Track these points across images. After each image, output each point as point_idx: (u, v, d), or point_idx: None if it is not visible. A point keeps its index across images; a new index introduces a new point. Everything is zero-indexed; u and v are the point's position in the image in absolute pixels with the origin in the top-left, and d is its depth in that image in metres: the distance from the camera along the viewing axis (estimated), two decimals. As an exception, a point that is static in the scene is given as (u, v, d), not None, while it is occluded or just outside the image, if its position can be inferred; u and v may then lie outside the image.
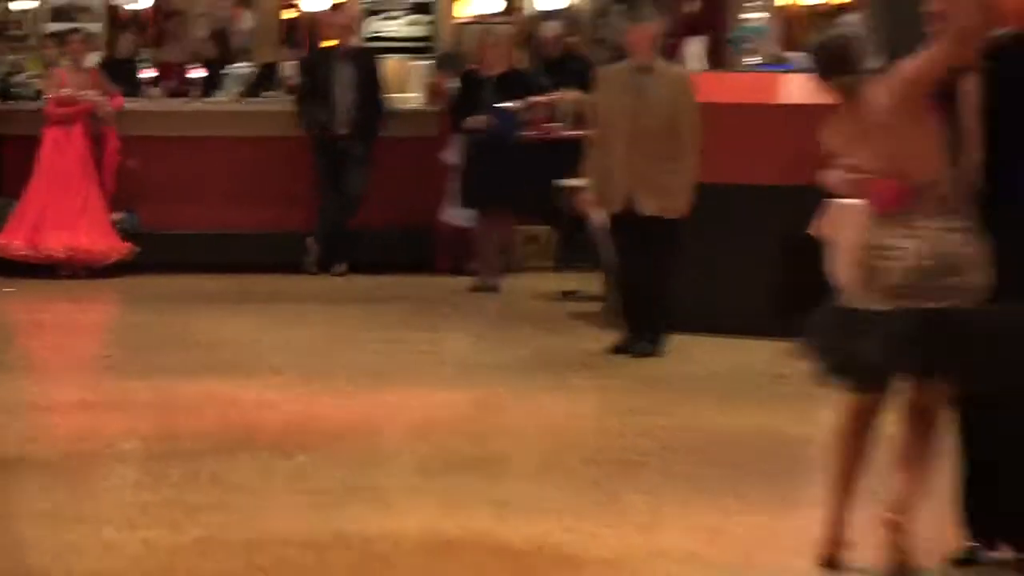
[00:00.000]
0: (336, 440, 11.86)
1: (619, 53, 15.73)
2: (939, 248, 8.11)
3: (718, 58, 19.46)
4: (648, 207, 14.32)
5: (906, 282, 7.94)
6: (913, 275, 7.93)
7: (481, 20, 22.75)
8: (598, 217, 14.82)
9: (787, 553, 9.35)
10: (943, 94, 8.02)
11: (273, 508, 10.06)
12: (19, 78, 21.55)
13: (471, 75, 19.55)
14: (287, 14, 24.51)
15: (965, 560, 8.32)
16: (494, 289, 18.60)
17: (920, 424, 8.41)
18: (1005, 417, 8.25)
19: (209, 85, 22.07)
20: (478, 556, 9.14)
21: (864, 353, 8.03)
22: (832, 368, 8.52)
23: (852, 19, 16.25)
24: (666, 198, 14.38)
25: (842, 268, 8.52)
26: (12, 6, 23.52)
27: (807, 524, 8.98)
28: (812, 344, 8.58)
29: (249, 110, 21.09)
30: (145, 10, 24.15)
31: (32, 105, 20.07)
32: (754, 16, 18.43)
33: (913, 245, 8.05)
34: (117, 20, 23.72)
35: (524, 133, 18.94)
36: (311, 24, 23.79)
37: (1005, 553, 8.19)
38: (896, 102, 8.19)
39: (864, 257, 8.23)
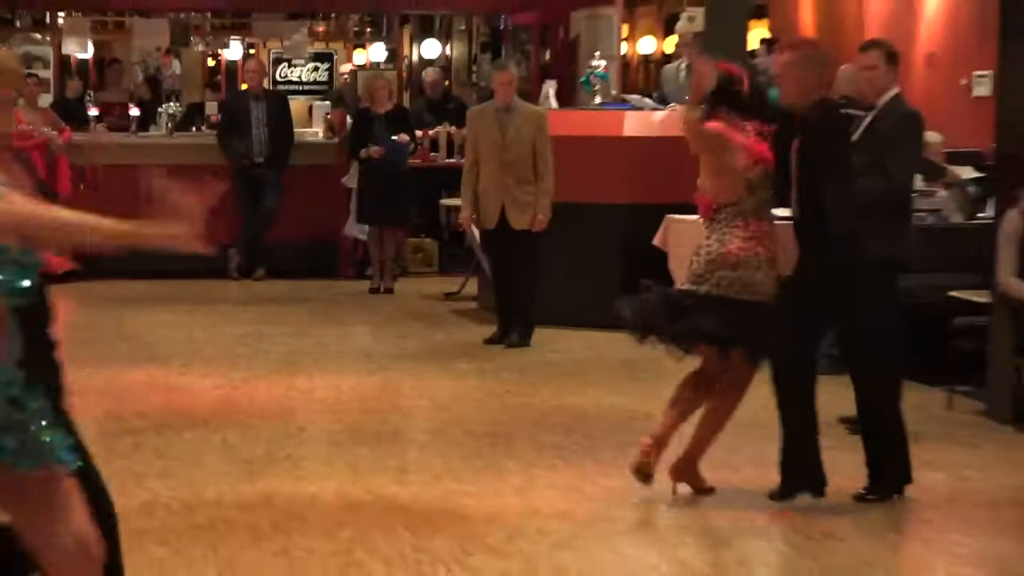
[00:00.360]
0: (259, 418, 11.89)
1: (487, 95, 15.88)
2: (720, 249, 9.07)
3: (569, 98, 19.58)
4: (517, 222, 14.50)
5: (701, 271, 9.03)
6: (705, 266, 8.98)
7: (371, 67, 22.73)
8: (474, 231, 14.94)
9: (639, 508, 9.60)
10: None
11: (207, 475, 10.09)
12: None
13: (364, 112, 19.56)
14: (210, 62, 24.39)
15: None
16: (388, 291, 18.65)
17: (697, 383, 9.32)
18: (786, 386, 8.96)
19: (144, 121, 22.07)
20: (382, 513, 9.21)
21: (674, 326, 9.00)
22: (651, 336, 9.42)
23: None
24: (530, 214, 14.57)
25: (678, 266, 9.28)
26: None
27: (654, 485, 9.24)
28: (639, 323, 9.41)
29: (178, 143, 20.93)
30: (89, 59, 24.00)
31: (-7, 139, 19.98)
32: (598, 63, 18.58)
33: (707, 244, 9.14)
34: (66, 65, 23.58)
35: (410, 161, 19.13)
36: (229, 70, 23.72)
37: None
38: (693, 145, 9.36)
39: (693, 252, 9.20)
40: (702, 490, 9.47)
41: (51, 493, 5.24)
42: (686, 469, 9.43)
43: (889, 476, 9.59)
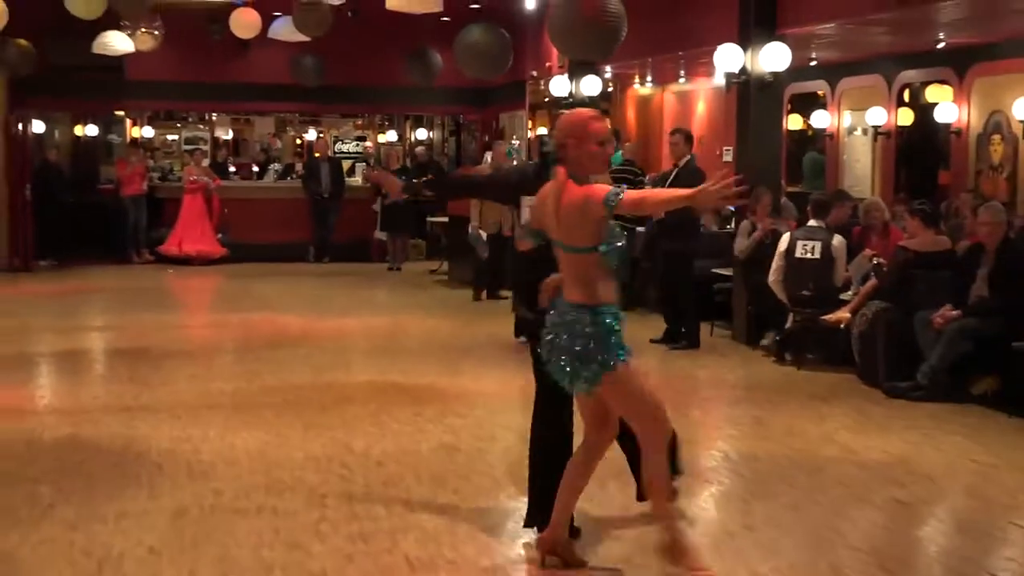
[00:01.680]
0: (324, 340, 11.78)
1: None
2: None
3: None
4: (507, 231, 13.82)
5: None
6: None
7: (389, 143, 22.57)
8: (480, 234, 14.35)
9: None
10: None
11: (292, 372, 10.04)
12: (171, 172, 21.34)
13: (384, 169, 19.46)
14: (297, 140, 24.19)
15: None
16: (399, 270, 18.50)
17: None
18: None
19: (260, 175, 21.91)
20: (394, 394, 9.15)
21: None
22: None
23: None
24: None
25: None
26: (169, 138, 23.09)
27: None
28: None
29: (281, 185, 20.84)
30: (230, 139, 23.81)
31: (178, 184, 19.79)
32: (515, 142, 18.42)
33: None
34: (216, 142, 23.37)
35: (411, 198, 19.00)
36: (309, 145, 23.54)
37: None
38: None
39: None
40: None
41: (629, 379, 4.86)
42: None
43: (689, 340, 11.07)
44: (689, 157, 11.12)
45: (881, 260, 10.07)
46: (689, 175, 10.83)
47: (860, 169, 15.02)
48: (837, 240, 10.19)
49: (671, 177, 11.06)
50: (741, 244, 11.09)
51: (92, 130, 22.48)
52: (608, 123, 5.24)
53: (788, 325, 10.41)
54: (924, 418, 8.40)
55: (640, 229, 12.59)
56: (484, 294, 14.57)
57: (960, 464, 7.23)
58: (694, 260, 11.29)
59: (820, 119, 15.69)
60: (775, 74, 11.61)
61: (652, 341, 11.10)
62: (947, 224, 10.61)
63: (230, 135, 23.96)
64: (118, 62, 17.84)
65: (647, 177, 13.31)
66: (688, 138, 11.27)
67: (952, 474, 7.02)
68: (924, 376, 8.92)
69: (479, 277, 14.77)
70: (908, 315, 9.26)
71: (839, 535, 5.83)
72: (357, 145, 23.82)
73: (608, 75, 16.70)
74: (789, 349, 10.45)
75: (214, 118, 23.44)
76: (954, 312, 8.87)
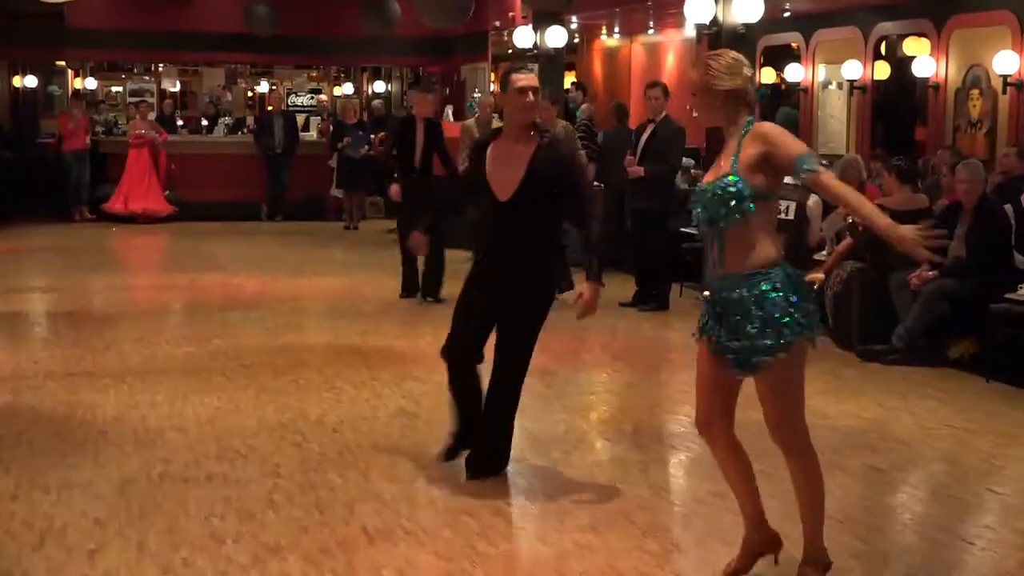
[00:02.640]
0: (278, 302, 11.75)
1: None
2: None
3: (460, 115, 19.45)
4: None
5: None
6: None
7: (345, 96, 22.42)
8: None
9: None
10: None
11: (244, 335, 10.04)
12: (116, 126, 21.13)
13: (339, 123, 19.36)
14: (248, 93, 23.99)
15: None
16: (355, 229, 18.44)
17: None
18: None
19: (210, 128, 21.77)
20: (351, 357, 9.15)
21: None
22: None
23: None
24: None
25: None
26: (113, 89, 22.85)
27: None
28: None
29: (230, 140, 20.71)
30: (177, 91, 23.59)
31: (123, 139, 19.60)
32: (476, 96, 18.34)
33: None
34: (163, 94, 23.16)
35: (365, 152, 18.91)
36: (260, 98, 23.37)
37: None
38: None
39: None
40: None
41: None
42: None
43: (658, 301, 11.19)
44: (665, 114, 11.08)
45: (856, 219, 10.09)
46: (668, 131, 10.87)
47: (835, 125, 15.05)
48: (812, 200, 10.21)
49: (647, 133, 11.03)
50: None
51: (31, 81, 22.22)
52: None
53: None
54: (899, 382, 8.46)
55: (599, 186, 12.62)
56: None
57: (936, 430, 7.29)
58: (668, 220, 11.28)
59: (794, 73, 15.68)
60: (747, 25, 11.62)
61: (622, 304, 11.13)
62: (924, 182, 10.64)
63: (178, 87, 23.80)
64: (59, 8, 17.65)
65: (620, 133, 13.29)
66: (666, 92, 11.21)
67: (927, 440, 7.08)
68: (899, 339, 8.97)
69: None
70: (883, 276, 9.30)
71: (811, 503, 5.88)
72: (312, 98, 23.69)
73: (574, 26, 16.65)
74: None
75: (161, 69, 23.26)
76: (931, 272, 8.90)
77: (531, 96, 5.65)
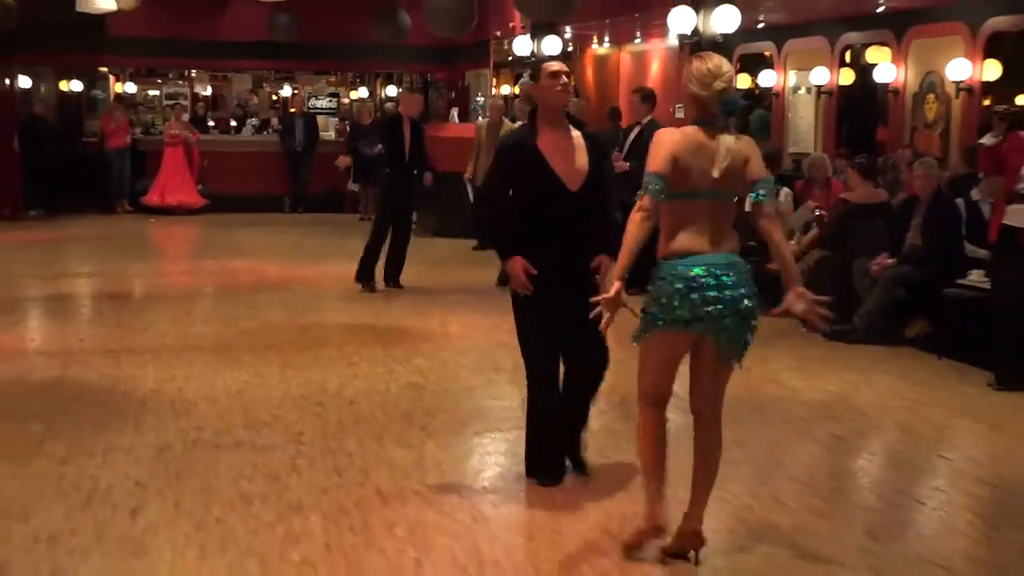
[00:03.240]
0: (300, 286, 11.73)
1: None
2: None
3: (465, 117, 19.44)
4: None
5: None
6: None
7: (360, 99, 22.36)
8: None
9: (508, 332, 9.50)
10: None
11: (269, 315, 10.03)
12: (153, 127, 21.09)
13: (355, 124, 19.26)
14: (273, 97, 23.94)
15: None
16: (369, 219, 18.26)
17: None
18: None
19: (238, 129, 21.74)
20: (366, 335, 9.15)
21: None
22: None
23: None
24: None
25: None
26: (150, 93, 22.78)
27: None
28: None
29: (258, 139, 20.69)
30: (208, 95, 23.52)
31: (159, 138, 19.56)
32: (479, 99, 18.27)
33: None
34: (196, 98, 23.10)
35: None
36: (284, 101, 23.33)
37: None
38: None
39: None
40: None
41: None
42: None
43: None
44: (650, 117, 10.99)
45: (822, 211, 10.13)
46: (652, 131, 10.82)
47: (804, 126, 15.04)
48: (783, 194, 10.23)
49: (634, 133, 10.99)
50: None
51: (77, 86, 22.17)
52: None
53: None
54: (860, 359, 8.48)
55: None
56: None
57: (892, 402, 7.32)
58: None
59: (767, 78, 15.66)
60: (725, 35, 11.60)
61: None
62: (884, 178, 10.64)
63: (209, 91, 23.73)
64: (101, 19, 17.62)
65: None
66: (645, 98, 11.03)
67: (885, 411, 7.11)
68: (861, 320, 9.00)
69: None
70: (847, 263, 9.32)
71: (781, 468, 5.91)
72: (330, 101, 23.64)
73: (568, 35, 16.61)
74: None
75: (193, 75, 23.21)
76: (889, 260, 8.94)
77: (564, 79, 5.27)
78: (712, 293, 4.32)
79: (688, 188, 4.36)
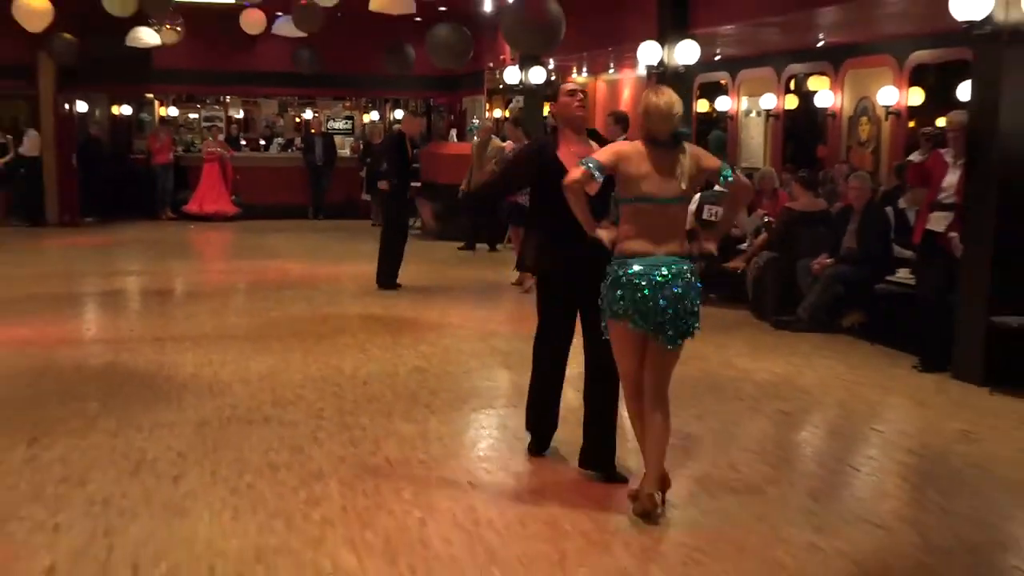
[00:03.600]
0: (320, 282, 11.66)
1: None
2: None
3: (462, 137, 19.39)
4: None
5: None
6: None
7: (372, 122, 22.28)
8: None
9: (510, 322, 9.47)
10: None
11: (297, 307, 9.97)
12: (193, 145, 20.98)
13: (367, 143, 19.23)
14: (296, 119, 23.84)
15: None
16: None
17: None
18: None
19: (266, 147, 21.65)
20: (377, 325, 9.10)
21: None
22: None
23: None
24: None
25: None
26: (190, 116, 22.66)
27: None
28: None
29: (283, 156, 20.61)
30: (240, 118, 23.39)
31: (198, 155, 19.52)
32: (475, 122, 18.22)
33: None
34: (230, 120, 22.99)
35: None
36: (306, 123, 23.24)
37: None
38: None
39: None
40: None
41: None
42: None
43: None
44: (624, 137, 10.90)
45: (770, 218, 10.13)
46: None
47: (755, 145, 15.05)
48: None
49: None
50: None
51: (126, 110, 22.10)
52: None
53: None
54: (804, 345, 8.49)
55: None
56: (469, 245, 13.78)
57: (832, 382, 7.32)
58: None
59: (723, 103, 15.66)
60: (687, 66, 11.58)
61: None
62: (824, 189, 10.65)
63: (241, 114, 23.61)
64: (147, 53, 17.57)
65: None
66: (618, 120, 10.80)
67: (825, 390, 7.11)
68: (804, 312, 9.00)
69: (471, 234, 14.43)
70: (792, 263, 9.33)
71: (735, 439, 5.91)
72: (346, 123, 23.54)
73: (551, 66, 16.57)
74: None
75: (228, 100, 23.11)
76: (829, 260, 8.95)
77: (580, 96, 5.08)
78: (649, 292, 4.35)
79: (648, 195, 4.38)
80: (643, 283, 4.36)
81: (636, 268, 4.38)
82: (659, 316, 4.38)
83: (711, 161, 4.55)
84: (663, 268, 4.37)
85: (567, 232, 4.77)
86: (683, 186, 4.39)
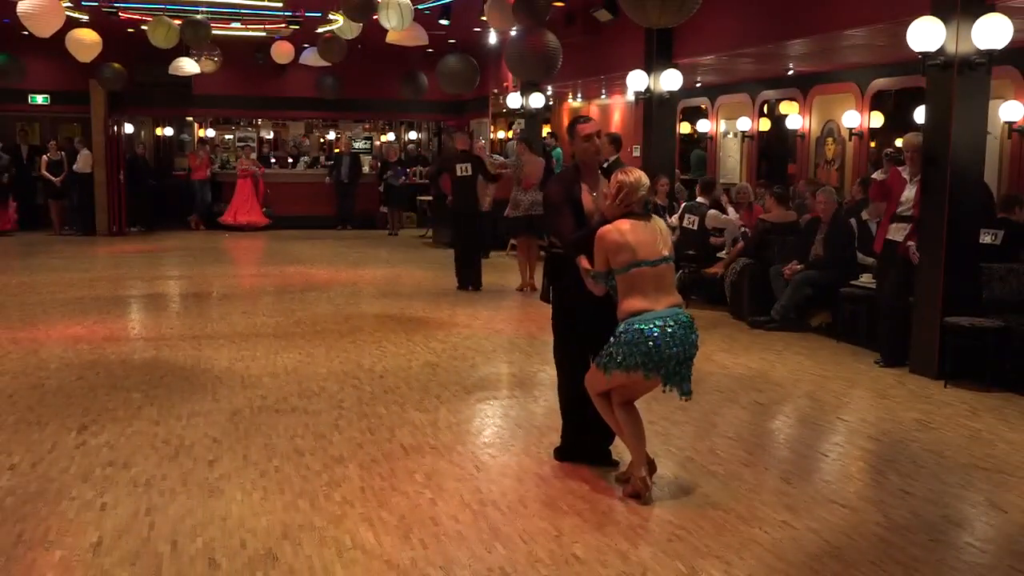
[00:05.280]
0: (343, 285, 11.62)
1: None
2: None
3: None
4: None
5: None
6: None
7: (388, 142, 22.24)
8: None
9: (512, 323, 9.44)
10: None
11: (320, 307, 9.92)
12: (228, 163, 20.97)
13: (385, 161, 19.22)
14: (322, 139, 23.81)
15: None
16: (396, 235, 18.32)
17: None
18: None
19: (294, 164, 21.61)
20: (392, 324, 9.07)
21: None
22: None
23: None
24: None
25: None
26: (226, 137, 22.64)
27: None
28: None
29: (309, 172, 20.54)
30: (271, 138, 23.38)
31: (233, 172, 19.51)
32: (481, 142, 18.17)
33: None
34: (261, 140, 22.99)
35: (402, 181, 18.81)
36: (330, 143, 23.23)
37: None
38: None
39: None
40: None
41: None
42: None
43: None
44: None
45: (746, 228, 10.10)
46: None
47: (732, 163, 15.02)
48: (711, 214, 10.23)
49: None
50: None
51: (169, 131, 22.14)
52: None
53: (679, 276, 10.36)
54: (776, 343, 8.46)
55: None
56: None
57: (802, 376, 7.29)
58: None
59: (703, 126, 15.64)
60: (671, 92, 11.56)
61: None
62: (794, 203, 10.62)
63: (271, 135, 23.60)
64: (188, 80, 17.63)
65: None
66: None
67: (796, 383, 7.08)
68: (776, 312, 8.97)
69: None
70: (765, 269, 9.31)
71: (715, 427, 5.88)
72: (365, 143, 23.53)
73: (549, 92, 16.56)
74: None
75: (259, 123, 23.11)
76: (799, 266, 8.93)
77: (596, 141, 4.86)
78: (663, 342, 4.34)
79: (641, 260, 4.42)
80: (655, 334, 4.35)
81: (643, 325, 4.37)
82: (672, 363, 4.38)
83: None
84: (670, 319, 4.39)
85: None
86: (664, 251, 4.45)
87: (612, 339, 4.45)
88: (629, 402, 4.60)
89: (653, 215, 4.57)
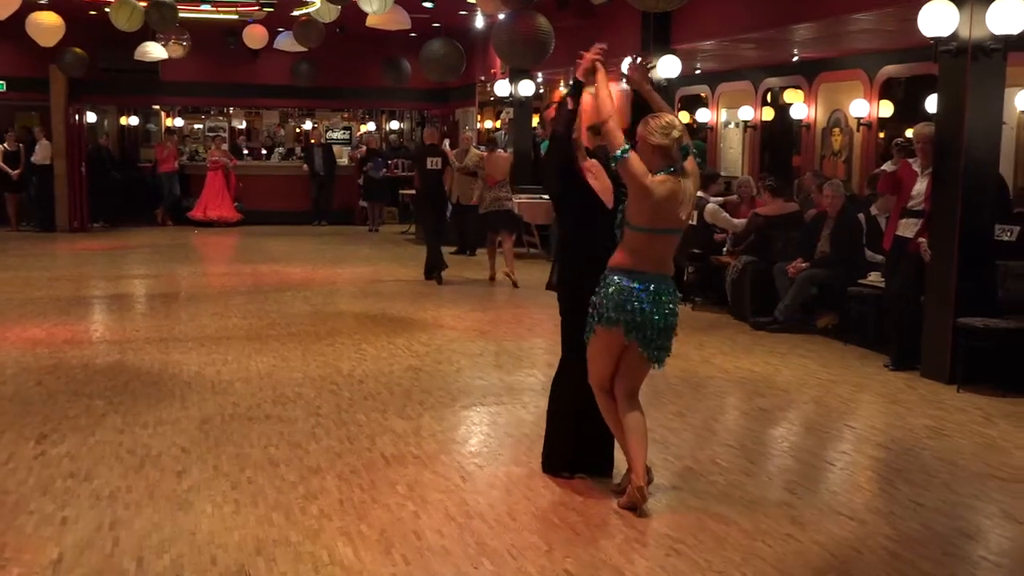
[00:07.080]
0: (320, 284, 11.62)
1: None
2: None
3: (455, 146, 19.30)
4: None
5: None
6: None
7: (368, 132, 22.20)
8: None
9: (498, 324, 9.43)
10: None
11: (296, 307, 9.91)
12: (197, 154, 20.91)
13: (370, 150, 19.24)
14: (297, 129, 23.77)
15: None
16: (376, 231, 18.33)
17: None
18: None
19: (268, 156, 21.59)
20: (373, 324, 9.06)
21: None
22: None
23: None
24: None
25: None
26: (195, 126, 22.58)
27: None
28: None
29: (284, 165, 20.53)
30: (244, 127, 23.33)
31: (202, 163, 19.46)
32: (467, 132, 18.21)
33: None
34: (233, 130, 22.94)
35: (383, 174, 18.79)
36: (306, 133, 23.19)
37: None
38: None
39: None
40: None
41: None
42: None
43: None
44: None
45: (750, 226, 10.13)
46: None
47: (733, 154, 15.05)
48: (709, 208, 10.29)
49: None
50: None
51: (134, 120, 22.10)
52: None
53: (684, 278, 10.30)
54: (780, 345, 8.49)
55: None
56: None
57: (807, 380, 7.31)
58: None
59: (703, 115, 15.67)
60: (669, 79, 11.58)
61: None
62: (799, 197, 10.65)
63: (244, 125, 23.57)
64: (154, 66, 17.56)
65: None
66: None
67: (801, 387, 7.10)
68: (780, 313, 9.01)
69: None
70: (769, 266, 9.33)
71: (715, 434, 5.89)
72: (344, 133, 23.52)
73: (540, 79, 16.57)
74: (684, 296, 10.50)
75: (231, 111, 23.08)
76: (804, 264, 8.96)
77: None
78: (643, 306, 4.41)
79: (658, 226, 4.42)
80: (644, 296, 4.41)
81: (637, 284, 4.41)
82: (651, 330, 4.45)
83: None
84: (662, 285, 4.45)
85: (597, 257, 4.63)
86: (682, 217, 4.45)
87: (597, 289, 4.50)
88: (633, 395, 4.57)
89: (682, 177, 4.43)
